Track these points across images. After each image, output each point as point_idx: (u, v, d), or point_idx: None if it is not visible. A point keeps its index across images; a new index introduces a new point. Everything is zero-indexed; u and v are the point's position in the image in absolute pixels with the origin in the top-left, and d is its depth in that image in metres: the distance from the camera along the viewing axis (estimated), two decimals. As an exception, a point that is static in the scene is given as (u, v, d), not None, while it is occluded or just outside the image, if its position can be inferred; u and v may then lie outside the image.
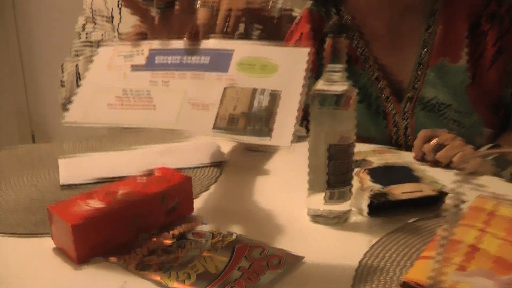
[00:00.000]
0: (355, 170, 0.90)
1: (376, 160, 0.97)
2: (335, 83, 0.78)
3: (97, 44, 1.48)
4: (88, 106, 0.79)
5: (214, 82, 0.76)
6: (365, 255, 0.76)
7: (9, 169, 1.12)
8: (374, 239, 0.80)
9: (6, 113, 3.13)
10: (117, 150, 1.18)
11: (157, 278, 0.70)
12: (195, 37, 0.82)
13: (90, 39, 1.53)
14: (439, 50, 1.15)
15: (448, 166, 1.04)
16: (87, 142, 1.26)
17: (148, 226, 0.81)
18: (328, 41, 0.77)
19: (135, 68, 0.82)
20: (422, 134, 1.08)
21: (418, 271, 0.67)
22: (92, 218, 0.75)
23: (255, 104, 0.73)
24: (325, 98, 0.78)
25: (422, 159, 1.08)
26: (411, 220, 0.86)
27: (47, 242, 0.80)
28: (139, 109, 0.77)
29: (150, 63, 0.81)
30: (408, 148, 1.22)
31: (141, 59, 0.82)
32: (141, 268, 0.72)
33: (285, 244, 0.79)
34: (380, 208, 0.86)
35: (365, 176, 0.90)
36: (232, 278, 0.69)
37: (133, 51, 0.84)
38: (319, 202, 0.84)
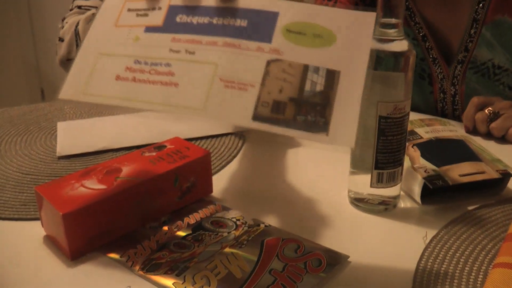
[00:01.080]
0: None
1: (425, 133, 0.82)
2: (390, 41, 0.63)
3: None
4: (90, 78, 0.61)
5: (253, 54, 0.58)
6: (422, 255, 0.62)
7: (1, 134, 0.99)
8: (430, 233, 0.66)
9: (15, 70, 3.02)
10: (126, 114, 1.04)
11: (169, 283, 0.56)
12: None
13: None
14: (497, 5, 0.99)
15: (503, 138, 0.90)
16: (91, 105, 1.12)
17: (158, 213, 0.68)
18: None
19: (150, 29, 0.63)
20: (474, 101, 0.94)
21: (498, 284, 0.53)
22: (88, 205, 0.61)
23: (307, 86, 0.55)
24: (379, 59, 0.63)
25: (473, 129, 0.94)
26: (471, 208, 0.72)
27: (37, 229, 0.67)
28: (156, 86, 0.59)
29: (170, 24, 0.62)
30: (456, 118, 1.08)
31: (158, 17, 0.63)
32: (148, 268, 0.59)
33: (324, 237, 0.65)
34: (435, 193, 0.71)
35: (416, 153, 0.76)
36: (262, 285, 0.56)
37: (148, 5, 0.65)
38: (363, 184, 0.70)
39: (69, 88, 0.62)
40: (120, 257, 0.61)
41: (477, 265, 0.60)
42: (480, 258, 0.61)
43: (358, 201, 0.71)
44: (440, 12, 1.05)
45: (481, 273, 0.59)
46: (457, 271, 0.59)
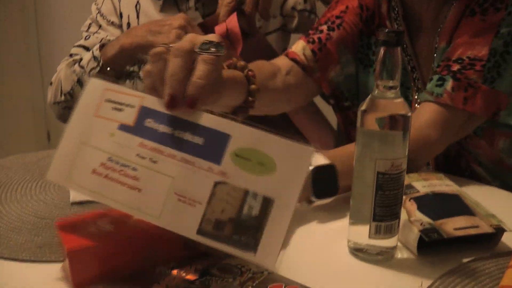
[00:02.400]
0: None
1: (422, 187, 0.86)
2: (388, 102, 0.68)
3: (88, 49, 1.38)
4: (72, 166, 0.69)
5: (204, 174, 0.65)
6: (418, 303, 0.65)
7: (16, 179, 1.03)
8: (426, 283, 0.70)
9: (22, 112, 3.06)
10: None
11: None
12: (192, 104, 0.67)
13: (85, 43, 1.44)
14: None
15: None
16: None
17: (166, 258, 0.71)
18: (382, 52, 0.67)
19: (123, 127, 0.69)
20: None
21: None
22: (94, 245, 0.66)
23: (245, 210, 0.64)
24: (379, 120, 0.68)
25: None
26: (465, 260, 0.75)
27: (52, 271, 0.71)
28: (123, 188, 0.66)
29: (139, 126, 0.68)
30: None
31: (130, 116, 0.69)
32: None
33: (324, 284, 0.68)
34: (431, 245, 0.75)
35: (413, 206, 0.80)
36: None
37: (123, 100, 0.70)
38: (362, 235, 0.74)
39: (55, 172, 0.70)
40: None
41: (469, 315, 0.63)
42: (473, 308, 0.65)
43: (357, 251, 0.75)
44: (430, 47, 1.09)
45: (473, 323, 0.62)
46: (450, 321, 0.62)
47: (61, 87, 1.38)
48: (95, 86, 0.72)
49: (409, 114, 0.69)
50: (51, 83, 1.43)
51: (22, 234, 0.81)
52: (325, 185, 0.85)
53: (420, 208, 0.79)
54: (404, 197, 0.81)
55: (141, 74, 0.80)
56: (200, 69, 0.67)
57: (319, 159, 0.85)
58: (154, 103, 0.69)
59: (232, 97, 0.85)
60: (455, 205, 0.82)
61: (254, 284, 0.67)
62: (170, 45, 0.69)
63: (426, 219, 0.77)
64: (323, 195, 0.86)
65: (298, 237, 0.81)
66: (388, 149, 0.69)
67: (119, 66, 1.31)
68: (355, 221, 0.75)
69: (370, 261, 0.74)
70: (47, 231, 0.82)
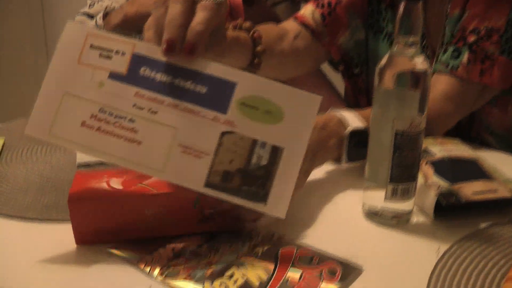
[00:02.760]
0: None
1: (438, 151, 0.84)
2: (407, 59, 0.65)
3: (92, 16, 1.35)
4: (55, 117, 0.63)
5: (210, 124, 0.62)
6: (435, 267, 0.63)
7: (22, 142, 1.01)
8: (443, 247, 0.67)
9: (27, 79, 3.04)
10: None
11: (188, 289, 0.58)
12: (190, 49, 0.64)
13: (89, 10, 1.40)
14: None
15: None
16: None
17: (175, 230, 0.68)
18: (402, 7, 0.64)
19: (114, 75, 0.64)
20: None
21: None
22: (95, 197, 0.65)
23: (254, 160, 0.62)
24: (397, 77, 0.65)
25: None
26: (483, 226, 0.73)
27: (58, 230, 0.69)
28: (120, 140, 0.62)
29: (134, 75, 0.64)
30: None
31: (121, 64, 0.64)
32: (167, 274, 0.60)
33: (338, 248, 0.66)
34: (448, 209, 0.73)
35: (429, 170, 0.77)
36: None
37: (112, 46, 0.65)
38: (377, 198, 0.71)
39: (35, 125, 0.63)
40: (138, 262, 0.62)
41: (489, 279, 0.61)
42: (493, 273, 0.63)
43: (372, 215, 0.73)
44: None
45: (494, 287, 0.60)
46: (470, 285, 0.60)
47: None
48: (75, 31, 0.66)
49: (429, 71, 0.66)
50: None
51: (28, 195, 0.79)
52: (358, 149, 0.82)
53: (437, 172, 0.77)
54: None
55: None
56: (199, 15, 0.64)
57: (355, 120, 0.82)
58: (149, 49, 0.64)
59: (236, 58, 0.83)
60: (472, 170, 0.79)
61: (265, 249, 0.65)
62: None
63: (443, 183, 0.74)
64: (355, 159, 0.84)
65: (311, 201, 0.79)
66: (407, 107, 0.66)
67: (123, 35, 1.28)
68: (370, 184, 0.72)
69: (385, 224, 0.72)
70: (53, 192, 0.80)
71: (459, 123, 1.01)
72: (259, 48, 0.86)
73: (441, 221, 0.73)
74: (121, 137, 0.62)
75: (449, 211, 0.73)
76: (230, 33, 0.78)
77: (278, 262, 0.62)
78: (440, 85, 0.95)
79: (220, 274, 0.60)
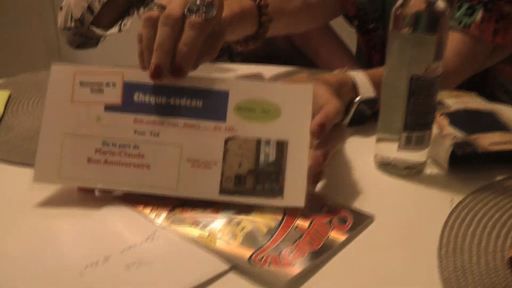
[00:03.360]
0: (431, 114, 0.75)
1: (454, 103, 0.81)
2: (424, 1, 0.62)
3: None
4: (60, 160, 0.63)
5: (212, 134, 0.63)
6: (449, 217, 0.61)
7: (28, 95, 1.00)
8: (457, 198, 0.65)
9: (34, 36, 3.02)
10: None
11: (194, 235, 0.56)
12: (178, 73, 0.64)
13: None
14: None
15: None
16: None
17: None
18: None
19: (109, 108, 0.64)
20: None
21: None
22: None
23: (262, 158, 0.62)
24: (414, 19, 0.62)
25: None
26: (499, 178, 0.71)
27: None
28: (129, 169, 0.63)
29: (128, 102, 0.64)
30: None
31: (114, 95, 0.64)
32: (172, 221, 0.59)
33: (349, 197, 0.65)
34: (463, 160, 0.70)
35: (444, 121, 0.75)
36: (289, 240, 0.55)
37: (101, 79, 0.65)
38: (390, 148, 0.69)
39: (42, 172, 0.63)
40: (143, 208, 0.61)
41: (505, 230, 0.59)
42: (509, 224, 0.61)
43: (385, 165, 0.71)
44: None
45: (510, 237, 0.58)
46: (485, 234, 0.59)
47: (71, 13, 1.33)
48: (61, 73, 0.66)
49: (447, 12, 0.63)
50: (61, 8, 1.38)
51: (34, 143, 0.77)
52: (362, 116, 0.80)
53: (452, 123, 0.75)
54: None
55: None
56: (187, 35, 0.64)
57: (367, 88, 0.79)
58: (138, 75, 0.65)
59: (240, 34, 0.83)
60: (489, 122, 0.77)
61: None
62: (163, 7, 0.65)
63: (459, 134, 0.72)
64: (355, 124, 0.81)
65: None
66: (423, 51, 0.63)
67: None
68: (383, 135, 0.70)
69: (397, 175, 0.70)
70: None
71: (472, 81, 0.98)
72: (264, 18, 0.85)
73: (455, 173, 0.71)
74: (129, 164, 0.63)
75: (464, 162, 0.71)
76: (233, 6, 0.78)
77: (287, 211, 0.60)
78: (452, 42, 0.92)
79: (227, 221, 0.58)
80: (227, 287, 0.51)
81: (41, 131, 0.65)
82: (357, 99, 0.78)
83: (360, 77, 0.79)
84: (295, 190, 0.61)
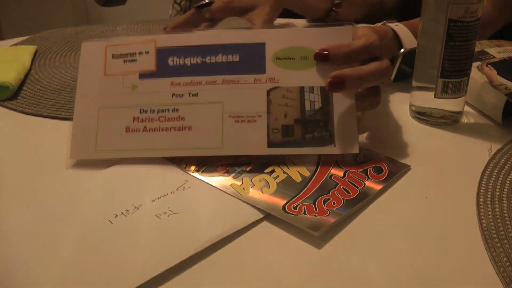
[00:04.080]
0: (476, 64, 0.72)
1: (497, 53, 0.78)
2: None
3: None
4: (97, 134, 0.62)
5: (253, 87, 0.61)
6: (487, 165, 0.60)
7: (55, 49, 0.99)
8: (495, 146, 0.63)
9: (61, 5, 3.01)
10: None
11: (227, 184, 0.55)
12: None
13: None
14: None
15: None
16: (144, 25, 1.11)
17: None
18: None
19: (144, 75, 0.63)
20: None
21: None
22: None
23: (307, 106, 0.60)
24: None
25: None
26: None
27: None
28: (170, 132, 0.61)
29: (164, 68, 0.63)
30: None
31: (148, 62, 0.63)
32: (204, 170, 0.58)
33: (385, 147, 0.63)
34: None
35: (492, 71, 0.72)
36: (324, 189, 0.54)
37: (133, 50, 0.64)
38: (426, 97, 0.67)
39: (78, 148, 0.62)
40: (174, 157, 0.61)
41: (547, 178, 0.58)
42: (550, 172, 0.59)
43: (420, 115, 0.69)
44: None
45: (551, 185, 0.56)
46: (525, 183, 0.57)
47: None
48: (92, 49, 0.66)
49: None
50: None
51: (61, 96, 0.78)
52: (405, 69, 0.78)
53: (500, 73, 0.72)
54: (479, 62, 0.73)
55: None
56: None
57: (409, 40, 0.76)
58: (170, 40, 0.64)
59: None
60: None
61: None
62: None
63: (509, 83, 0.69)
64: (399, 79, 0.79)
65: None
66: (463, -8, 0.61)
67: None
68: (419, 83, 0.68)
69: (433, 125, 0.68)
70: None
71: (505, 31, 0.95)
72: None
73: (508, 123, 0.68)
74: (169, 129, 0.61)
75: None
76: None
77: (321, 161, 0.59)
78: None
79: (259, 171, 0.57)
80: (261, 235, 0.50)
81: (75, 106, 0.63)
82: (402, 50, 0.75)
83: (401, 28, 0.76)
84: (346, 137, 0.59)
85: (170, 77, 0.62)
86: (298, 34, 0.62)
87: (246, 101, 0.61)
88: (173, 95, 0.62)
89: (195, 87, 0.62)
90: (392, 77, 0.78)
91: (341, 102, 0.60)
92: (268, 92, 0.60)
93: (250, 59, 0.62)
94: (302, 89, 0.60)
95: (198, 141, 0.60)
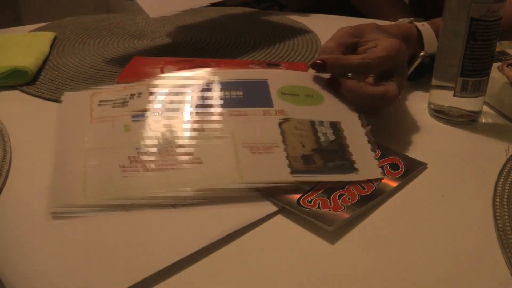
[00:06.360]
0: (496, 64, 0.71)
1: (516, 53, 0.78)
2: None
3: None
4: (87, 180, 0.52)
5: (263, 118, 0.57)
6: (505, 166, 0.59)
7: (74, 37, 1.00)
8: (513, 147, 0.63)
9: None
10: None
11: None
12: None
13: None
14: None
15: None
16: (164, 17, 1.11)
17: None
18: None
19: (138, 115, 0.56)
20: None
21: None
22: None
23: (321, 137, 0.58)
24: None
25: None
26: (558, 127, 0.68)
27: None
28: (179, 169, 0.52)
29: (160, 107, 0.57)
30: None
31: (142, 103, 0.57)
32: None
33: (402, 144, 0.63)
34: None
35: (512, 72, 0.71)
36: (339, 184, 0.54)
37: (124, 94, 0.58)
38: (445, 96, 0.67)
39: (62, 200, 0.51)
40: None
41: None
42: None
43: (438, 113, 0.68)
44: None
45: None
46: (543, 185, 0.56)
47: None
48: (74, 98, 0.60)
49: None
50: None
51: (80, 82, 0.78)
52: (423, 70, 0.77)
53: (520, 74, 0.71)
54: (499, 63, 0.73)
55: None
56: None
57: (432, 43, 0.75)
58: (164, 82, 0.60)
59: None
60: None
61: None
62: None
63: (527, 84, 0.69)
64: (414, 78, 0.78)
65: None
66: (486, -9, 0.60)
67: None
68: (438, 81, 0.67)
69: (452, 124, 0.68)
70: (105, 81, 0.79)
71: None
72: None
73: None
74: (177, 165, 0.53)
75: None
76: None
77: (337, 155, 0.59)
78: None
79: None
80: (276, 229, 0.50)
81: (55, 159, 0.55)
82: (422, 53, 0.74)
83: (427, 29, 0.75)
84: (367, 164, 0.57)
85: (168, 114, 0.57)
86: (298, 76, 0.63)
87: (258, 132, 0.57)
88: (172, 132, 0.56)
89: (200, 122, 0.57)
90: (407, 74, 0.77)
91: (352, 135, 0.59)
92: (280, 123, 0.58)
93: (255, 94, 0.59)
94: (313, 122, 0.59)
95: (212, 174, 0.53)
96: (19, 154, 0.62)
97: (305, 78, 0.62)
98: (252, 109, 0.58)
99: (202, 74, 0.62)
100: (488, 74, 0.65)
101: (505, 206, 0.53)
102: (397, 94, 0.62)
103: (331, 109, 0.60)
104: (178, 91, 0.60)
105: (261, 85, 0.60)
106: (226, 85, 0.60)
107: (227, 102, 0.59)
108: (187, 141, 0.55)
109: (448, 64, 0.65)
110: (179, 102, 0.59)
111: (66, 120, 0.58)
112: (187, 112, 0.58)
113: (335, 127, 0.59)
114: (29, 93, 0.76)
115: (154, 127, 0.56)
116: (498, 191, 0.55)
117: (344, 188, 0.53)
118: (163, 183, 0.52)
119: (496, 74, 0.70)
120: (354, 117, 0.61)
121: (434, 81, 0.68)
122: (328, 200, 0.52)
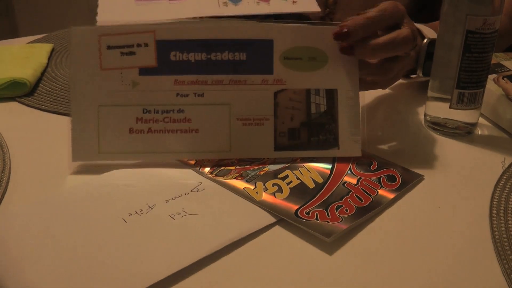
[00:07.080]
0: (491, 76, 0.72)
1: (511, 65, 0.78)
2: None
3: None
4: (99, 134, 0.59)
5: (260, 88, 0.60)
6: (501, 177, 0.60)
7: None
8: (509, 159, 0.63)
9: (78, 10, 3.03)
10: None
11: (240, 187, 0.56)
12: None
13: None
14: None
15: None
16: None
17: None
18: None
19: (145, 70, 0.59)
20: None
21: None
22: None
23: (313, 109, 0.60)
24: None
25: None
26: (553, 139, 0.68)
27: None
28: (176, 135, 0.60)
29: (165, 63, 0.59)
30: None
31: (148, 55, 0.59)
32: (218, 173, 0.58)
33: (398, 156, 0.63)
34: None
35: (508, 84, 0.72)
36: (337, 195, 0.54)
37: (131, 41, 0.59)
38: (441, 108, 0.67)
39: (80, 150, 0.59)
40: (188, 160, 0.61)
41: (560, 193, 0.57)
42: None
43: (434, 125, 0.69)
44: None
45: None
46: (539, 196, 0.57)
47: None
48: (84, 36, 0.60)
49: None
50: None
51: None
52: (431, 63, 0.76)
53: (516, 86, 0.72)
54: (495, 75, 0.73)
55: None
56: None
57: (430, 32, 0.75)
58: (171, 32, 0.59)
59: None
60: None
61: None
62: None
63: (524, 97, 0.69)
64: (428, 73, 0.77)
65: (370, 110, 0.75)
66: (481, 3, 0.61)
67: None
68: (434, 93, 0.68)
69: (448, 135, 0.68)
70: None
71: None
72: (330, 0, 0.89)
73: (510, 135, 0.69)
74: (176, 131, 0.60)
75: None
76: None
77: (335, 167, 0.59)
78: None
79: (273, 176, 0.58)
80: (273, 240, 0.50)
81: (72, 105, 0.60)
82: (425, 40, 0.74)
83: (420, 26, 0.76)
84: (350, 140, 0.60)
85: (173, 74, 0.60)
86: (306, 32, 0.60)
87: (254, 103, 0.60)
88: (177, 94, 0.60)
89: (200, 87, 0.60)
90: (420, 70, 0.77)
91: (345, 105, 0.60)
92: (275, 94, 0.60)
93: (258, 57, 0.60)
94: (308, 91, 0.61)
95: (206, 144, 0.60)
96: (18, 165, 0.62)
97: (314, 35, 0.60)
98: (252, 77, 0.60)
99: (210, 27, 0.60)
100: (484, 86, 0.66)
101: (502, 218, 0.53)
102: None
103: (332, 73, 0.60)
104: (184, 46, 0.60)
105: (265, 45, 0.60)
106: (232, 45, 0.60)
107: (229, 66, 0.60)
108: (188, 105, 0.60)
109: (444, 76, 0.65)
110: (184, 60, 0.60)
111: (77, 66, 0.60)
112: (191, 73, 0.60)
113: (331, 96, 0.60)
114: (27, 105, 0.76)
115: (159, 87, 0.60)
116: (494, 202, 0.55)
117: (341, 200, 0.54)
118: (160, 148, 0.60)
119: (492, 86, 0.71)
120: (354, 83, 0.61)
121: (430, 93, 0.69)
122: (325, 212, 0.52)
